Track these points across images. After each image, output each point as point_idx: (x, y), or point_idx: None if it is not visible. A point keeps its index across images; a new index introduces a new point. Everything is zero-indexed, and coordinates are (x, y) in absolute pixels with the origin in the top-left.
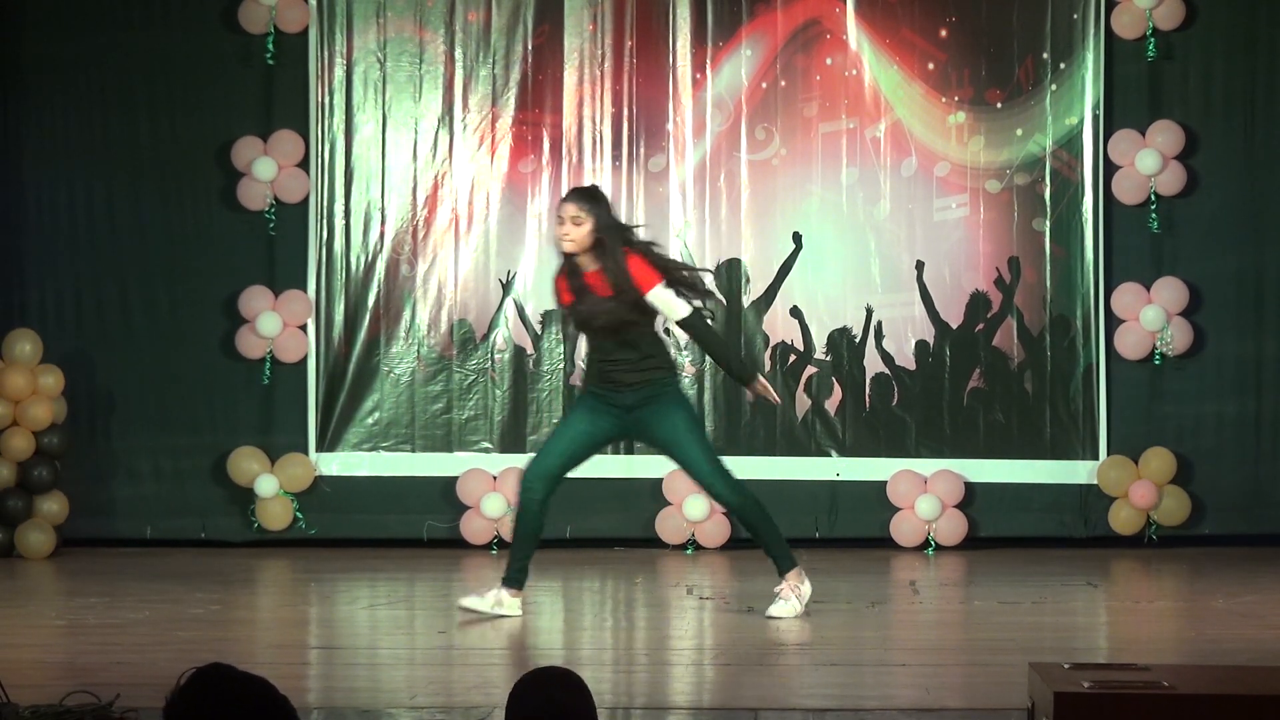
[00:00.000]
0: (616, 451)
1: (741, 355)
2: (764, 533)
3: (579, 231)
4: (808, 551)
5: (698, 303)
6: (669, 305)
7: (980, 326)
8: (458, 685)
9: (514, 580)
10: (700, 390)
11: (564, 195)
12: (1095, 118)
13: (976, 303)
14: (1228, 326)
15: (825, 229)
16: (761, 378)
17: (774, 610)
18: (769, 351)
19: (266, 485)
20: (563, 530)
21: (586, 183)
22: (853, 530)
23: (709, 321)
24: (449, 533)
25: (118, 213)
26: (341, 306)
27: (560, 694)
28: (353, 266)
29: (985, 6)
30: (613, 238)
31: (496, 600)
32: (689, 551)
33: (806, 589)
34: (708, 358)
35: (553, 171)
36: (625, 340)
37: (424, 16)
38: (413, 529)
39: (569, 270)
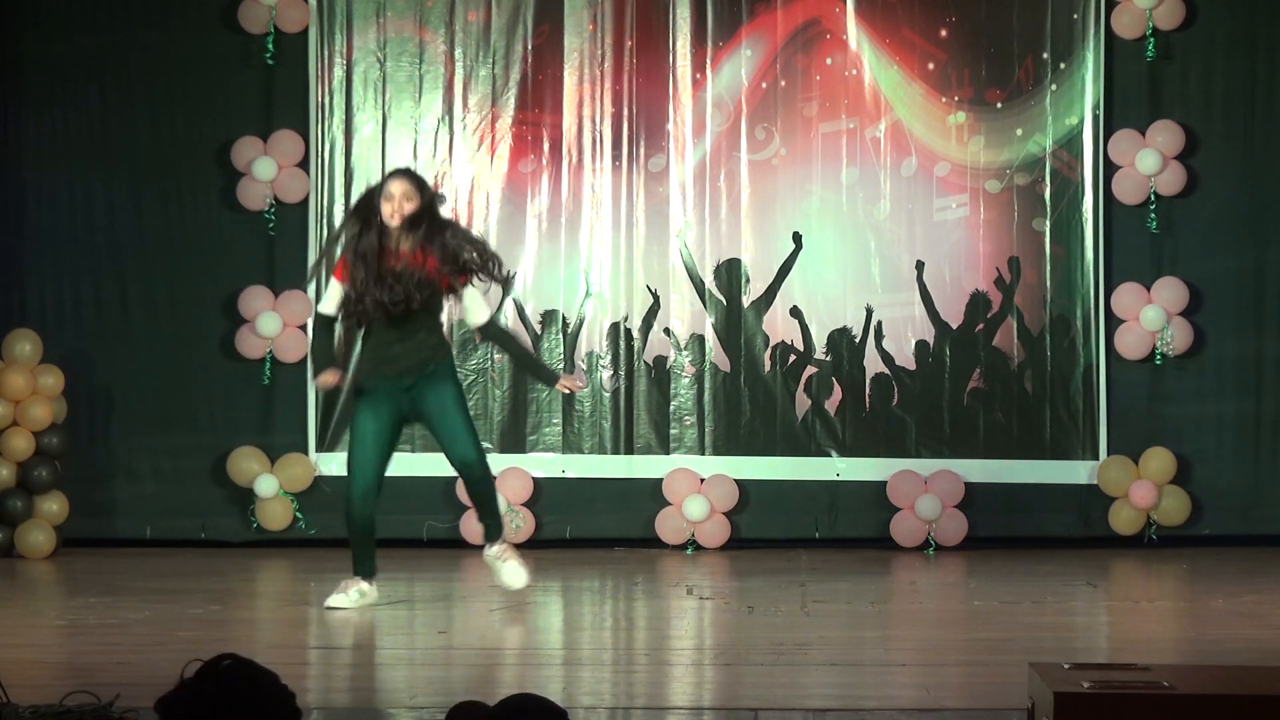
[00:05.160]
0: (617, 452)
1: (541, 360)
2: (490, 503)
3: (410, 207)
4: (808, 551)
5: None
6: (478, 302)
7: (980, 326)
8: (458, 685)
9: (370, 570)
10: (700, 390)
11: (394, 173)
12: (1095, 118)
13: (976, 303)
14: (1228, 326)
15: (825, 229)
16: (564, 376)
17: (506, 577)
18: (769, 351)
19: (266, 485)
20: (563, 530)
21: (592, 183)
22: (853, 530)
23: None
24: (449, 533)
25: (118, 213)
26: None
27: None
28: None
29: (985, 6)
30: (438, 218)
31: (360, 592)
32: (689, 551)
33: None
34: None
35: (553, 171)
36: (421, 318)
37: (424, 16)
38: (413, 529)
39: (381, 243)
